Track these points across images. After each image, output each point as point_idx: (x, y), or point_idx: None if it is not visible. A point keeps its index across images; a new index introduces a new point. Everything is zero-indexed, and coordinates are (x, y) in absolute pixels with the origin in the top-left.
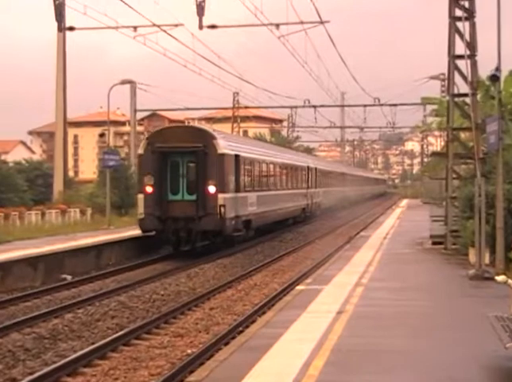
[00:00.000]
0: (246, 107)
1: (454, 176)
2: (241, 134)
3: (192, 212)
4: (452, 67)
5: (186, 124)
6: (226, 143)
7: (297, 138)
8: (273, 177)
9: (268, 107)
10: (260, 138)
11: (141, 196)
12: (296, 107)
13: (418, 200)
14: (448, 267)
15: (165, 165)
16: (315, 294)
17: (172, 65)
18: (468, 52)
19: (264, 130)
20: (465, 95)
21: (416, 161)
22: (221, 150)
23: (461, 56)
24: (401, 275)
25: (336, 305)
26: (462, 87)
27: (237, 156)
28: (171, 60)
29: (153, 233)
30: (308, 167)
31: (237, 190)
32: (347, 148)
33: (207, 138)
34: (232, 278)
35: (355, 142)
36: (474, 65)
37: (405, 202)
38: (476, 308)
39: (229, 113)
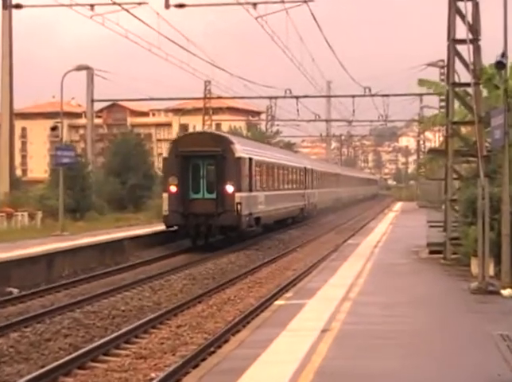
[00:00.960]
0: (219, 98)
1: (454, 176)
2: (213, 127)
3: (212, 209)
4: (453, 52)
5: (206, 130)
6: (242, 148)
7: (277, 132)
8: (277, 178)
9: (244, 97)
10: (235, 133)
11: (165, 195)
12: (275, 97)
13: (414, 204)
14: (448, 280)
15: (187, 167)
16: (296, 309)
17: (135, 49)
18: (471, 36)
19: (239, 123)
20: (467, 84)
21: (412, 159)
22: (238, 154)
23: (462, 41)
24: (394, 289)
25: (321, 322)
26: (463, 75)
27: (250, 159)
28: (133, 44)
29: (175, 228)
30: (305, 168)
31: (250, 190)
32: (334, 144)
33: (226, 143)
34: (203, 291)
35: (343, 138)
36: (477, 51)
37: (398, 205)
38: (479, 326)
39: (200, 104)
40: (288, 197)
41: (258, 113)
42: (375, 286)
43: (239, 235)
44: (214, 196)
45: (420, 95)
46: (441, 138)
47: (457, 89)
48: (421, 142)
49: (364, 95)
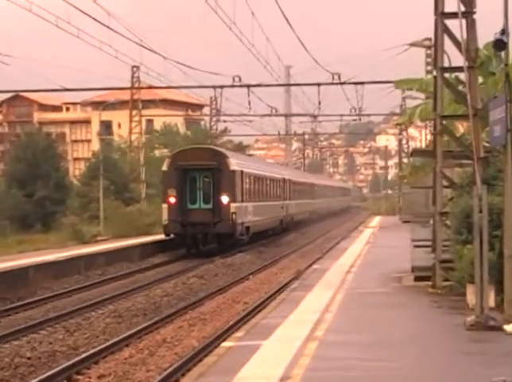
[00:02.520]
0: (151, 88)
1: (444, 183)
2: (144, 125)
3: (208, 218)
4: (441, 29)
5: (203, 146)
6: (235, 161)
7: (225, 131)
8: (262, 189)
9: (182, 86)
10: (170, 132)
11: (165, 206)
12: (221, 86)
13: (395, 218)
14: (438, 313)
15: (185, 180)
16: (249, 352)
17: (42, 26)
18: (463, 9)
19: (176, 119)
20: (459, 68)
21: (393, 162)
22: (233, 167)
23: (453, 14)
24: (372, 325)
25: (279, 369)
26: (455, 57)
27: (242, 172)
28: (40, 20)
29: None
30: (283, 179)
31: (242, 200)
32: (295, 144)
33: (221, 157)
34: (131, 331)
35: (306, 137)
36: (471, 27)
37: (376, 220)
38: (477, 370)
39: (126, 95)
40: (270, 208)
41: (200, 106)
42: (347, 322)
43: (234, 243)
44: (210, 206)
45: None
46: (429, 137)
47: (447, 75)
48: (404, 141)
49: (332, 83)
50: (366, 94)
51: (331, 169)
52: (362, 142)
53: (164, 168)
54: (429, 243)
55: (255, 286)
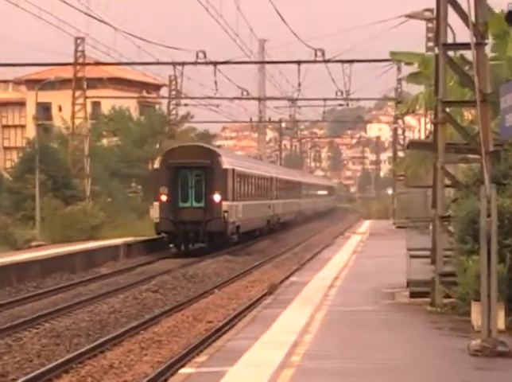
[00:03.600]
0: (98, 64)
1: (447, 182)
2: (89, 108)
3: (200, 216)
4: None
5: (195, 144)
6: (227, 160)
7: (186, 116)
8: (250, 188)
9: (135, 63)
10: (121, 117)
11: (156, 204)
12: (182, 63)
13: (389, 223)
14: (437, 336)
15: (177, 178)
16: (212, 381)
17: None
18: None
19: (128, 101)
20: (465, 45)
21: (386, 156)
22: (225, 166)
23: None
24: (358, 350)
25: None
26: (461, 32)
27: (233, 170)
28: None
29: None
30: (271, 177)
31: (233, 199)
32: (270, 134)
33: (214, 156)
34: (71, 355)
35: (283, 125)
36: None
37: (366, 225)
38: None
39: (68, 72)
40: (258, 208)
41: (157, 87)
42: (330, 346)
43: (224, 241)
44: (202, 204)
45: (399, 61)
46: (429, 126)
47: (451, 53)
48: (399, 131)
49: (315, 61)
50: (354, 74)
51: (313, 164)
52: (349, 131)
53: (156, 166)
54: (428, 252)
55: (221, 301)
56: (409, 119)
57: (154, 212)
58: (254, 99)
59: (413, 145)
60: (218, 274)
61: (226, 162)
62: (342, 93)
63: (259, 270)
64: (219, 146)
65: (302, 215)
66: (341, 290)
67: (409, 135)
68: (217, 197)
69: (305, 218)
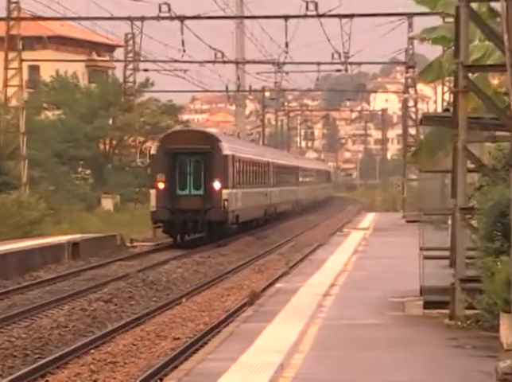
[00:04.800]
0: (37, 19)
1: (469, 165)
2: (26, 73)
3: (199, 205)
4: None
5: (194, 128)
6: (227, 145)
7: (146, 84)
8: (248, 175)
9: (83, 18)
10: (65, 85)
11: (153, 192)
12: (142, 18)
13: (398, 216)
14: (458, 356)
15: (174, 164)
16: None
17: None
18: None
19: (75, 66)
20: None
21: (394, 133)
22: (225, 152)
23: None
24: (360, 374)
25: None
26: None
27: (233, 156)
28: None
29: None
30: (267, 162)
31: (233, 187)
32: (250, 106)
33: (213, 141)
34: (5, 380)
35: (267, 94)
36: None
37: (369, 219)
38: None
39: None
40: (256, 196)
41: (111, 48)
42: (325, 368)
43: (224, 231)
44: (201, 192)
45: (410, 15)
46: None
47: (474, 4)
48: (410, 102)
49: (306, 16)
50: (355, 32)
51: (303, 143)
52: (348, 103)
53: (153, 151)
54: (446, 253)
55: (190, 313)
56: (423, 88)
57: (151, 201)
58: (230, 62)
59: (428, 120)
60: (186, 279)
61: (227, 148)
62: (339, 55)
63: (237, 274)
64: (187, 121)
65: (299, 204)
66: (338, 300)
67: (423, 108)
68: (217, 185)
69: (303, 208)
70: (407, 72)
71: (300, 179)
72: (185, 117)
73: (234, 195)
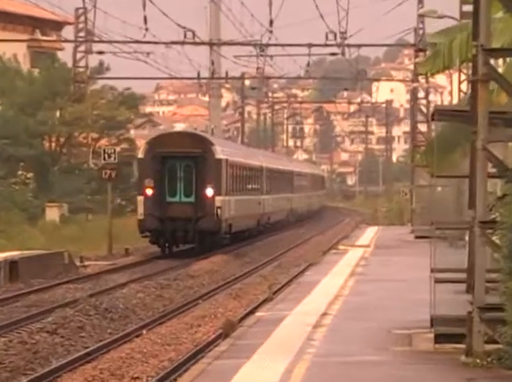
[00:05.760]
0: None
1: (491, 170)
2: None
3: (190, 213)
4: None
5: (185, 130)
6: (220, 148)
7: (101, 69)
8: (242, 181)
9: None
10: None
11: (140, 198)
12: None
13: (405, 231)
14: None
15: (164, 169)
16: None
17: None
18: None
19: (14, 47)
20: None
21: (401, 130)
22: (218, 156)
23: None
24: None
25: None
26: None
27: (227, 160)
28: None
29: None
30: (260, 167)
31: (226, 193)
32: (227, 96)
33: (206, 144)
34: None
35: (247, 83)
36: None
37: (370, 234)
38: None
39: None
40: (249, 204)
41: (58, 25)
42: None
43: (217, 241)
44: (192, 199)
45: None
46: (464, 86)
47: None
48: (421, 93)
49: None
50: (354, 8)
51: (291, 142)
52: (346, 94)
53: (140, 155)
54: (462, 275)
55: (152, 348)
56: (436, 76)
57: (139, 208)
58: (203, 44)
59: (441, 114)
60: (148, 306)
61: (220, 151)
62: (335, 36)
63: (209, 300)
64: (149, 115)
65: (294, 214)
66: (332, 332)
67: (436, 100)
68: (209, 191)
69: (297, 218)
70: (416, 57)
71: (295, 185)
72: (148, 109)
73: (227, 202)
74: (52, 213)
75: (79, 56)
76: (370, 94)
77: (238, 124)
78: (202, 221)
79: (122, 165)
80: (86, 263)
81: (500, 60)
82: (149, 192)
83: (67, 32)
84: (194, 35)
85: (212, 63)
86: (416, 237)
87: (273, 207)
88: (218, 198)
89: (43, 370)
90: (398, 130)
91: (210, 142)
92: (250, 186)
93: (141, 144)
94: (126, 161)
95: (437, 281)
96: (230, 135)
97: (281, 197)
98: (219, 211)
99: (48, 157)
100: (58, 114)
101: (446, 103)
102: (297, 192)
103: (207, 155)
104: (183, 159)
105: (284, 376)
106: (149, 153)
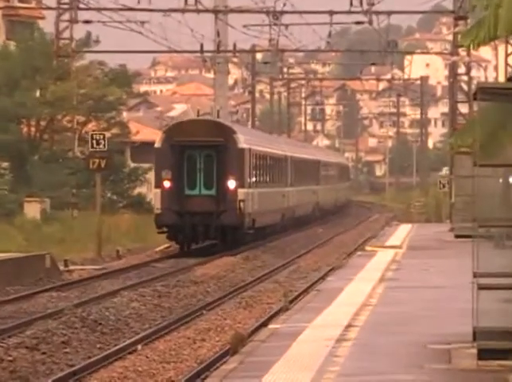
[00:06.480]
0: None
1: None
2: None
3: (211, 206)
4: None
5: (205, 118)
6: (244, 137)
7: (88, 41)
8: (266, 172)
9: None
10: None
11: (157, 191)
12: None
13: (443, 229)
14: None
15: (183, 159)
16: None
17: None
18: None
19: None
20: None
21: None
22: (241, 145)
23: None
24: None
25: None
26: None
27: (250, 150)
28: None
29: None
30: (285, 156)
31: (250, 186)
32: (235, 73)
33: (228, 132)
34: None
35: (259, 57)
36: None
37: (403, 233)
38: None
39: None
40: (273, 197)
41: None
42: None
43: (240, 237)
44: (213, 192)
45: None
46: None
47: None
48: (461, 68)
49: None
50: None
51: (310, 126)
52: (373, 69)
53: (157, 145)
54: (510, 281)
55: (149, 366)
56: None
57: (155, 202)
58: (207, 11)
59: (485, 93)
60: (143, 317)
61: (243, 140)
62: (361, 2)
63: (215, 310)
64: (145, 94)
65: (320, 208)
66: (358, 347)
67: (479, 76)
68: (232, 184)
69: (324, 212)
70: (456, 26)
71: (322, 177)
72: (143, 88)
73: (250, 195)
74: (32, 209)
75: (62, 26)
76: (401, 69)
77: (248, 105)
78: (224, 216)
79: (113, 154)
80: (71, 267)
81: None
82: (167, 184)
83: None
84: (196, 1)
85: (218, 34)
86: (457, 236)
87: (298, 200)
88: (241, 191)
89: None
90: (435, 112)
91: (232, 130)
92: (274, 178)
93: (134, 128)
94: (117, 148)
95: (481, 287)
96: (239, 118)
97: (307, 190)
98: (241, 204)
99: (27, 145)
100: (38, 94)
101: (491, 79)
102: (324, 184)
103: (230, 144)
104: (203, 149)
105: None
106: (166, 142)
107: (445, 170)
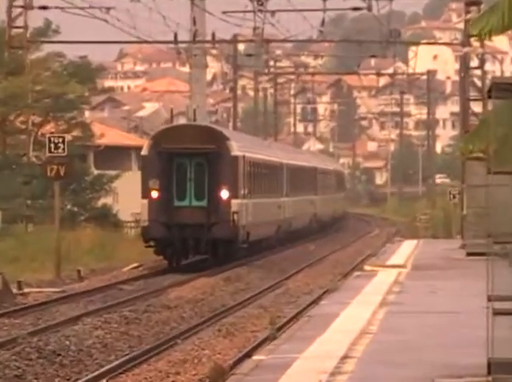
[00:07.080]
0: None
1: None
2: None
3: (202, 218)
4: None
5: (196, 123)
6: (237, 144)
7: (47, 30)
8: (260, 181)
9: None
10: None
11: (144, 202)
12: None
13: (452, 245)
14: None
15: (171, 168)
16: None
17: None
18: None
19: None
20: None
21: (448, 111)
22: (235, 152)
23: None
24: None
25: None
26: None
27: (244, 157)
28: None
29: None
30: (280, 164)
31: (244, 196)
32: (214, 66)
33: (220, 139)
34: None
35: (241, 48)
36: None
37: (407, 250)
38: None
39: None
40: (268, 208)
41: None
42: None
43: (233, 252)
44: (204, 203)
45: None
46: None
47: None
48: (474, 59)
49: None
50: None
51: (300, 127)
52: (373, 62)
53: (144, 152)
54: None
55: None
56: (494, 38)
57: (142, 214)
58: None
59: (500, 89)
60: (108, 347)
61: (237, 147)
62: None
63: (191, 339)
64: (110, 90)
65: (318, 220)
66: (355, 381)
67: (494, 70)
68: (225, 194)
69: (322, 224)
70: (468, 12)
71: (319, 186)
72: (108, 83)
73: (244, 207)
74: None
75: (15, 12)
76: (405, 62)
77: (229, 104)
78: (216, 228)
79: (74, 159)
80: (26, 289)
81: None
82: (155, 194)
83: None
84: None
85: (194, 22)
86: (468, 254)
87: (294, 211)
88: (234, 202)
89: None
90: (444, 111)
91: (224, 136)
92: (269, 187)
93: (98, 130)
94: (79, 153)
95: (496, 313)
96: (218, 119)
97: (304, 200)
98: (235, 216)
99: None
100: None
101: (508, 73)
102: (321, 194)
103: (222, 152)
104: (193, 157)
105: None
106: (153, 149)
107: (438, 178)
